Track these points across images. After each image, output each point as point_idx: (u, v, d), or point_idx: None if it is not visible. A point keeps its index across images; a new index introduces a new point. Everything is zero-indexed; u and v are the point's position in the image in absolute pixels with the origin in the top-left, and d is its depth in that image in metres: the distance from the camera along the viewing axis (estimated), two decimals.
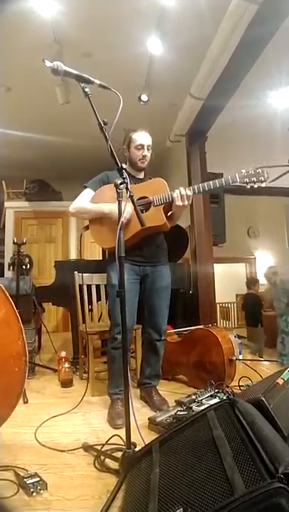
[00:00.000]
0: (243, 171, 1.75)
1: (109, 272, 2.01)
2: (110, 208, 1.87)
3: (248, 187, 1.74)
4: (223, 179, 1.75)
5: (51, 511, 1.08)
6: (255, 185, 1.73)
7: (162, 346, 2.09)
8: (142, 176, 2.10)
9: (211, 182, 1.79)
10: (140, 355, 2.27)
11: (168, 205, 1.89)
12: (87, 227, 2.14)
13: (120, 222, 1.33)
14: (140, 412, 1.82)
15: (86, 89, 1.37)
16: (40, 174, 6.21)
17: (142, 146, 2.00)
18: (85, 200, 2.01)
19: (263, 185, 1.73)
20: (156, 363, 2.10)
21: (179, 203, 1.81)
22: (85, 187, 2.05)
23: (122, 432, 1.30)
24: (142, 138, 2.01)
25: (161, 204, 1.86)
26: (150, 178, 2.04)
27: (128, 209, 1.82)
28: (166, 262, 2.13)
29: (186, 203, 1.82)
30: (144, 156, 2.02)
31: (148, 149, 2.03)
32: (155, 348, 2.06)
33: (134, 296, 1.95)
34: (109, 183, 2.01)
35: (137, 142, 2.00)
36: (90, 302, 2.63)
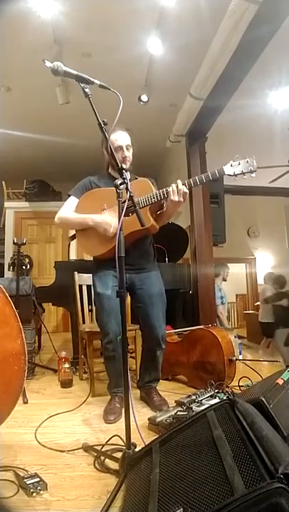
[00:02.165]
0: (232, 162, 1.68)
1: (94, 280, 1.96)
2: (94, 220, 1.82)
3: (237, 178, 1.66)
4: (209, 173, 1.68)
5: (51, 511, 1.08)
6: (245, 177, 1.65)
7: (162, 354, 2.01)
8: (129, 176, 2.00)
9: (203, 175, 1.71)
10: (140, 355, 2.27)
11: (155, 206, 1.81)
12: (73, 237, 2.11)
13: (120, 222, 1.32)
14: (140, 413, 1.82)
15: (86, 90, 1.36)
16: (40, 174, 6.21)
17: (121, 147, 1.89)
18: (70, 210, 1.95)
19: (253, 175, 1.65)
20: (156, 369, 2.05)
21: (174, 198, 1.70)
22: (69, 195, 2.00)
23: (122, 433, 1.30)
24: (120, 139, 1.89)
25: (147, 205, 1.76)
26: (136, 178, 1.93)
27: (113, 221, 1.78)
28: (155, 268, 2.03)
29: (182, 199, 1.71)
30: (124, 158, 1.89)
31: (128, 149, 1.92)
32: (154, 356, 2.00)
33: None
34: (93, 188, 1.97)
35: (116, 144, 1.87)
36: (90, 302, 2.63)
